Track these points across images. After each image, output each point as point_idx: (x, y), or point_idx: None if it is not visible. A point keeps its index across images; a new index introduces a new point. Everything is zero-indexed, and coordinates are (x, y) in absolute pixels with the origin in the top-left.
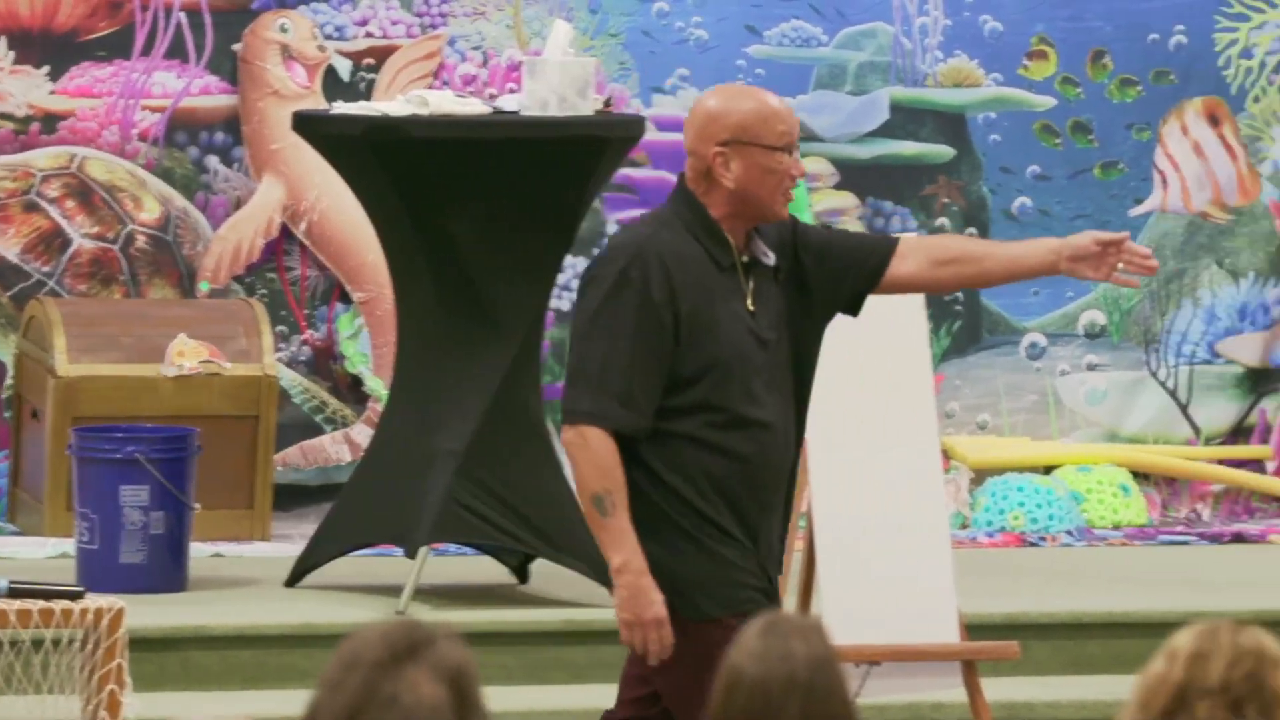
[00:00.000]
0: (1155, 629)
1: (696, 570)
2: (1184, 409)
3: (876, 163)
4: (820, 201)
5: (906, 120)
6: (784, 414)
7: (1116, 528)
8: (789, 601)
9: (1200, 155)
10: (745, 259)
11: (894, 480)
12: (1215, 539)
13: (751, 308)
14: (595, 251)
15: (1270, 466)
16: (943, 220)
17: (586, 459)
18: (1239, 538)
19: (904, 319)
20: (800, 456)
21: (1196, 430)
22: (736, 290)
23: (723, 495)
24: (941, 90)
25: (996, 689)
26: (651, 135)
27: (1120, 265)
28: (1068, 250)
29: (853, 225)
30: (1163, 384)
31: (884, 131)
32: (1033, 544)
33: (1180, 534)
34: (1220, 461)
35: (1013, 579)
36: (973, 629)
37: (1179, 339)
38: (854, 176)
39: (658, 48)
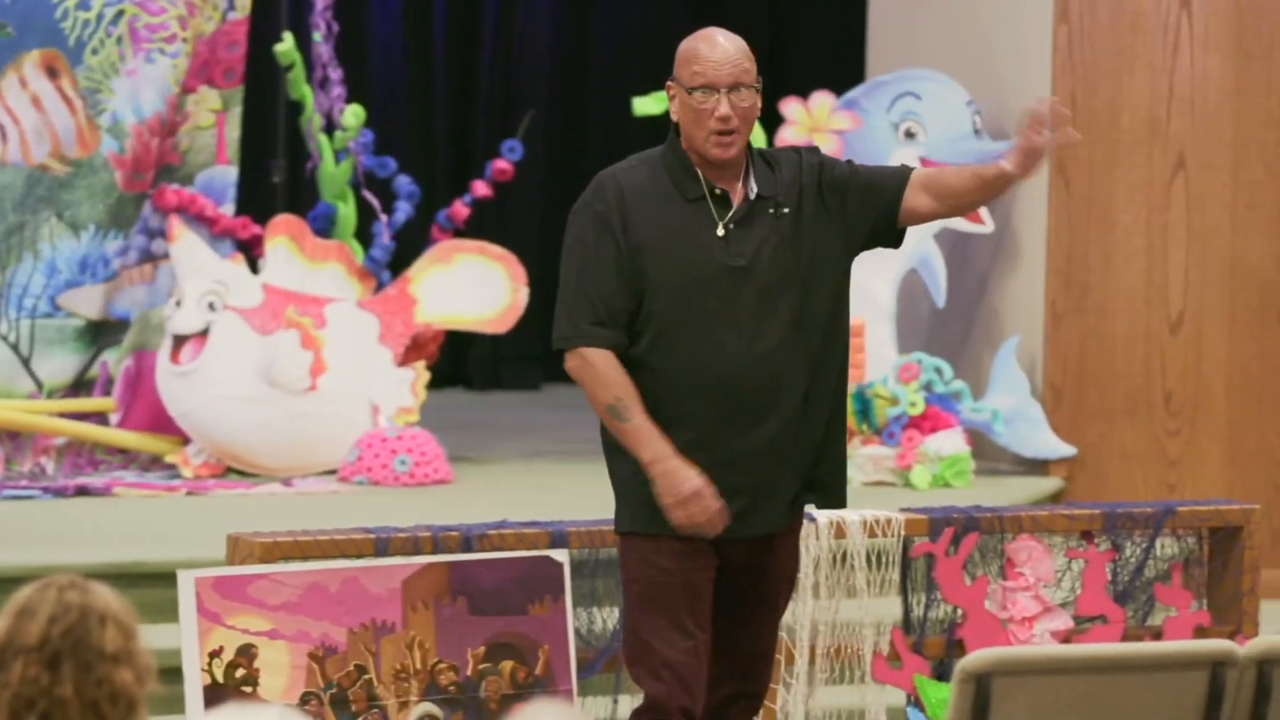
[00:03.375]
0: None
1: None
2: (26, 362)
3: None
4: None
5: None
6: (767, 336)
7: None
8: None
9: (39, 108)
10: (718, 190)
11: None
12: (60, 492)
13: (721, 234)
14: None
15: (113, 418)
16: None
17: (590, 376)
18: (84, 490)
19: None
20: (820, 374)
21: (39, 383)
22: (706, 219)
23: (682, 416)
24: None
25: None
26: None
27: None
28: (1010, 155)
29: None
30: (4, 338)
31: None
32: None
33: (25, 488)
34: (63, 414)
35: None
36: None
37: (20, 292)
38: None
39: None
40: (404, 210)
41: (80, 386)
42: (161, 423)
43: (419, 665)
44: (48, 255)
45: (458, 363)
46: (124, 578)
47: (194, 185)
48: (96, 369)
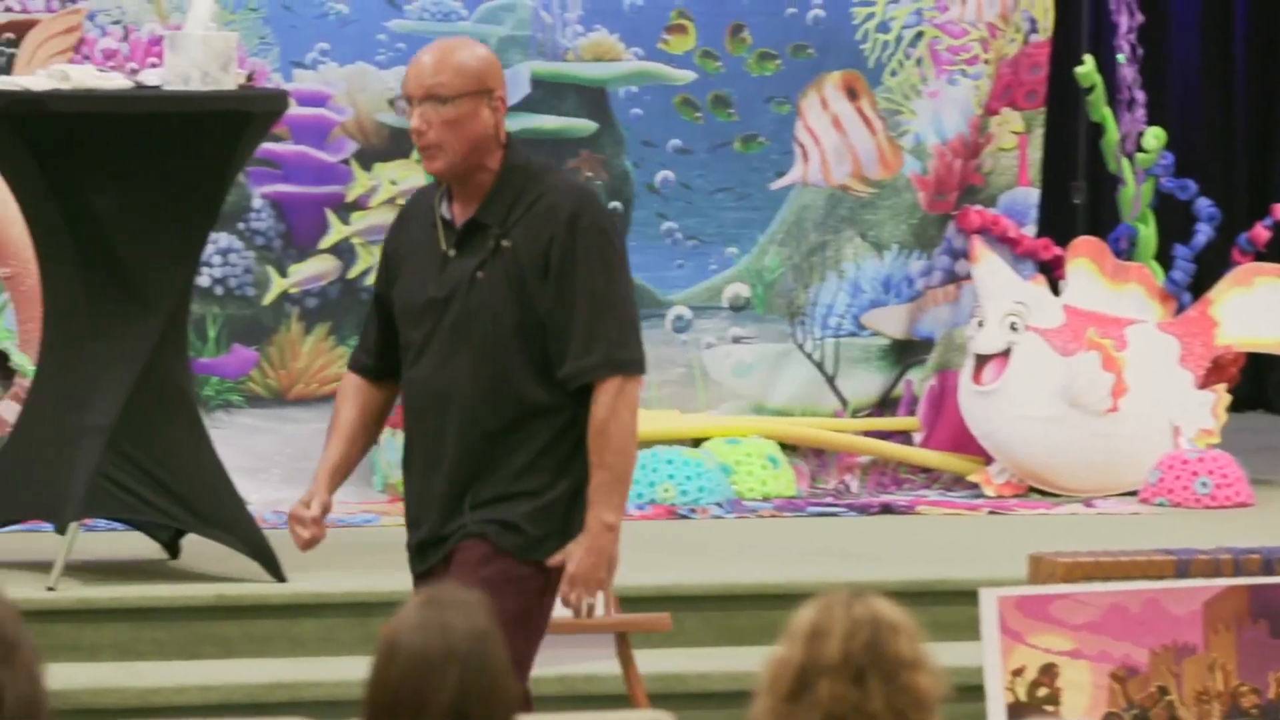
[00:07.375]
0: (804, 600)
1: None
2: (830, 381)
3: (519, 137)
4: None
5: (548, 95)
6: (451, 373)
7: (765, 499)
8: None
9: (839, 128)
10: (447, 216)
11: None
12: (863, 510)
13: (441, 266)
14: (241, 226)
15: (916, 438)
16: None
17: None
18: (887, 509)
19: None
20: (497, 415)
21: (844, 402)
22: (434, 246)
23: (407, 446)
24: (582, 65)
25: (649, 661)
26: (293, 110)
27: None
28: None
29: None
30: (809, 356)
31: (526, 106)
32: (683, 516)
33: (829, 505)
34: (867, 433)
35: (663, 551)
36: (625, 601)
37: (824, 311)
38: None
39: (298, 22)
40: (1204, 233)
41: (885, 405)
42: (964, 442)
43: (1220, 688)
44: (851, 275)
45: (1259, 385)
46: (925, 595)
47: (996, 206)
48: (901, 388)
